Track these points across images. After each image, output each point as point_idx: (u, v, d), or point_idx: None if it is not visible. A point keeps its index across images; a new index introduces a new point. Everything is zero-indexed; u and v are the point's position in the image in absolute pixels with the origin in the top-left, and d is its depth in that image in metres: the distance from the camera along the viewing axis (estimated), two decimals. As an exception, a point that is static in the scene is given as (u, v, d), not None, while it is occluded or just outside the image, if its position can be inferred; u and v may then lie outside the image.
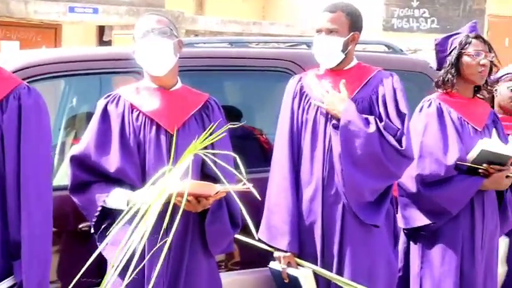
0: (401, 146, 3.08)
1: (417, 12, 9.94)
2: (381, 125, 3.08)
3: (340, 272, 3.12)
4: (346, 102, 3.10)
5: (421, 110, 3.49)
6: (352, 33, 3.18)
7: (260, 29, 9.39)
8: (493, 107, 3.99)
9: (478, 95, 3.56)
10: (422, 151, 3.36)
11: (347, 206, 3.10)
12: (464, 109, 3.49)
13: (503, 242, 3.85)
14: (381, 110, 3.15)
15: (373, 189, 3.11)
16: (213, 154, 2.51)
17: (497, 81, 4.07)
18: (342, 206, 3.12)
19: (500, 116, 3.96)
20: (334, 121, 3.12)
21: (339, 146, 3.08)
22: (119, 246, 2.23)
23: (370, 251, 3.14)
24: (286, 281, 3.16)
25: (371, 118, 3.10)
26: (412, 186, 3.37)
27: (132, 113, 2.86)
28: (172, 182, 2.38)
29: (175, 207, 2.36)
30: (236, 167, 2.49)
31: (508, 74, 4.06)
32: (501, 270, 3.79)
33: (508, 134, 3.71)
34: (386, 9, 9.85)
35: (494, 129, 3.56)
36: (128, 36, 4.67)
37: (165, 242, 2.19)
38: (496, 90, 4.06)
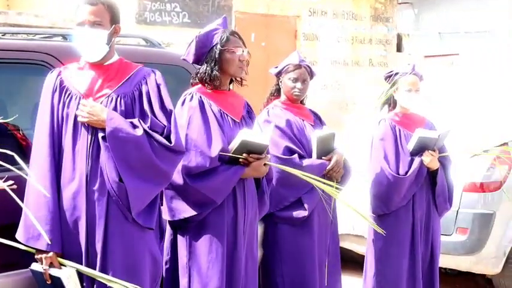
0: (171, 142, 3.12)
1: (169, 7, 10.05)
2: (146, 126, 3.09)
3: (104, 269, 3.06)
4: (107, 110, 3.07)
5: (183, 103, 3.56)
6: (113, 25, 3.16)
7: (6, 18, 8.82)
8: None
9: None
10: (187, 144, 3.42)
11: (119, 206, 3.06)
12: (223, 102, 3.62)
13: (259, 228, 4.07)
14: (146, 107, 3.16)
15: (153, 194, 3.13)
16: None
17: (279, 73, 4.29)
18: (106, 200, 3.07)
19: (286, 104, 4.22)
20: (101, 133, 3.05)
21: (109, 157, 3.02)
22: None
23: (134, 246, 3.12)
24: (49, 282, 3.05)
25: (135, 121, 3.09)
26: (178, 179, 3.42)
27: None
28: None
29: None
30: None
31: (288, 65, 4.27)
32: (259, 253, 4.00)
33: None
34: (139, 3, 9.82)
35: (257, 121, 3.75)
36: None
37: None
38: (281, 82, 4.28)
